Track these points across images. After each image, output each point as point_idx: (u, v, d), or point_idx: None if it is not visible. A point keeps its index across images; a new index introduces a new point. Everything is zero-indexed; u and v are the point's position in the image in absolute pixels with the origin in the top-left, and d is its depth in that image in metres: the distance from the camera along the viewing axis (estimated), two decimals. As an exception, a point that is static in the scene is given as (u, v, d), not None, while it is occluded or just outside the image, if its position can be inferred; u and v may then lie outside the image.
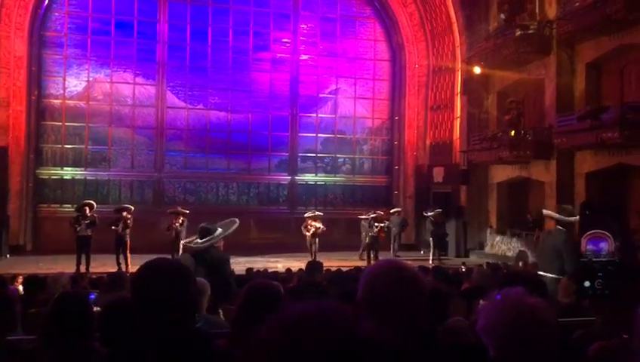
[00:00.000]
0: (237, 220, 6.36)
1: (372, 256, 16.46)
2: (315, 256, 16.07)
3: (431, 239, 17.70)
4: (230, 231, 6.17)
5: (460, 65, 20.31)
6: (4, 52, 18.31)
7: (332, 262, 15.73)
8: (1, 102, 18.25)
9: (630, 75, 15.08)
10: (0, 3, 18.17)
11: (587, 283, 3.16)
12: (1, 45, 18.21)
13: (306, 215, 17.24)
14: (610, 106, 13.91)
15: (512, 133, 16.80)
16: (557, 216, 6.99)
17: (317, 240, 16.71)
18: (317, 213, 17.51)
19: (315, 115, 22.28)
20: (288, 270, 11.32)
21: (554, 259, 6.37)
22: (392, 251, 18.45)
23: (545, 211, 7.13)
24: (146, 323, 1.75)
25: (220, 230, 6.00)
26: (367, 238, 17.02)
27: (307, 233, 16.74)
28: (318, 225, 16.68)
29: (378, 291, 1.69)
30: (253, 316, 2.29)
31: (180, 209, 16.10)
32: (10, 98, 18.46)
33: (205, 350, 1.80)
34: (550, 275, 6.21)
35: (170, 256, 11.92)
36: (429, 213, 17.91)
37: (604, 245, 3.61)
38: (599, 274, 3.11)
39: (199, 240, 5.81)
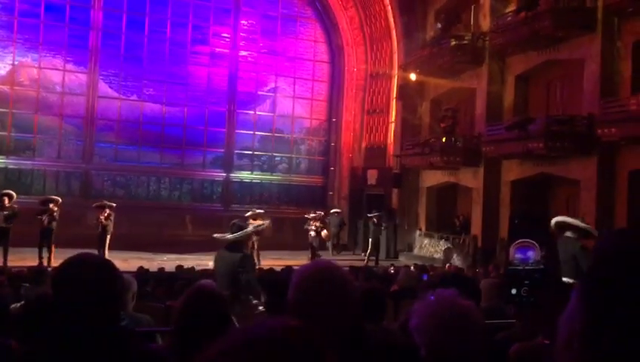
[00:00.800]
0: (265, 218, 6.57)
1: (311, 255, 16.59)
2: (258, 256, 15.82)
3: (370, 240, 17.94)
4: (261, 227, 6.16)
5: (396, 72, 20.68)
6: None
7: (265, 261, 15.69)
8: None
9: (555, 88, 15.85)
10: None
11: (514, 291, 3.28)
12: None
13: (246, 215, 16.81)
14: (536, 118, 14.54)
15: (444, 139, 17.26)
16: (577, 222, 6.98)
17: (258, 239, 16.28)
18: (257, 211, 17.14)
19: (253, 112, 22.13)
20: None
21: (572, 264, 6.45)
22: (330, 251, 18.68)
23: (561, 218, 7.09)
24: (68, 321, 1.67)
25: (250, 227, 6.11)
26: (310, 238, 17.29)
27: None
28: (260, 221, 16.28)
29: (307, 291, 1.70)
30: (193, 328, 2.20)
31: (106, 202, 15.57)
32: None
33: (129, 349, 1.74)
34: (572, 281, 6.29)
35: (95, 252, 11.52)
36: (373, 214, 18.13)
37: (531, 253, 3.75)
38: (525, 281, 3.23)
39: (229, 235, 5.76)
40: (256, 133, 22.21)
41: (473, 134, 17.25)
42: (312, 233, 17.38)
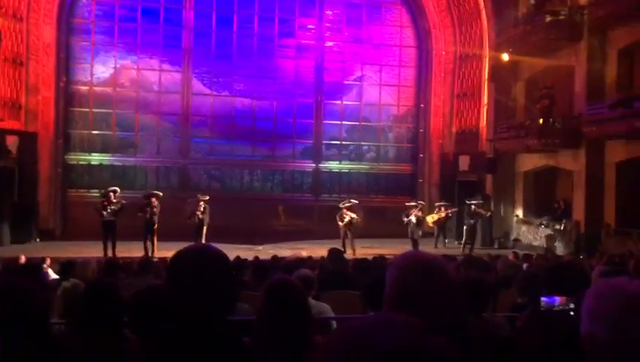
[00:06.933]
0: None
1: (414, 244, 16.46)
2: (353, 246, 15.99)
3: (465, 227, 17.51)
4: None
5: (487, 52, 20.01)
6: (33, 39, 18.56)
7: (358, 250, 15.80)
8: (30, 89, 18.54)
9: (664, 61, 14.69)
10: (29, -10, 18.38)
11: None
12: (30, 32, 18.45)
13: (341, 205, 16.99)
14: (643, 94, 13.58)
15: (541, 120, 16.57)
16: None
17: (350, 230, 16.38)
18: (352, 201, 17.30)
19: (339, 102, 22.19)
20: (310, 258, 11.29)
21: None
22: (435, 242, 18.29)
23: None
24: (181, 313, 1.71)
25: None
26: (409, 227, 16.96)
27: (341, 222, 16.46)
28: (353, 215, 16.51)
29: (409, 286, 1.66)
30: (276, 318, 2.22)
31: (199, 196, 16.21)
32: (39, 84, 18.73)
33: (235, 348, 1.76)
34: None
35: (194, 243, 12.05)
36: (472, 202, 17.64)
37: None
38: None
39: None
40: (344, 122, 22.27)
41: (572, 114, 16.42)
42: (413, 221, 16.91)
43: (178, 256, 1.79)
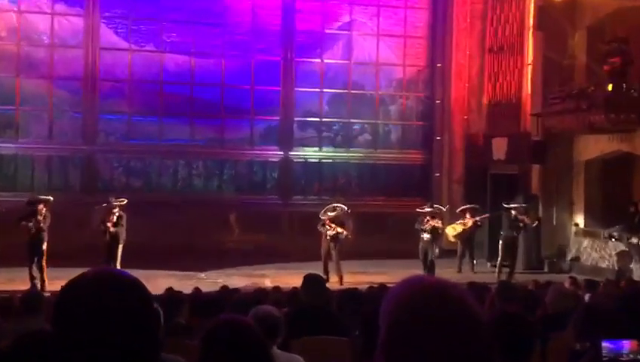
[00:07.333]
0: None
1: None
2: (339, 271, 16.13)
3: (500, 242, 17.61)
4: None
5: (533, -13, 20.18)
6: None
7: (346, 277, 15.81)
8: None
9: None
10: None
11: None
12: None
13: (322, 212, 16.91)
14: None
15: (610, 87, 16.72)
16: None
17: (336, 248, 16.44)
18: (339, 206, 17.27)
19: (318, 60, 22.19)
20: (277, 289, 11.30)
21: None
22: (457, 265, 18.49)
23: None
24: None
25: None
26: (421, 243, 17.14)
27: (323, 237, 16.51)
28: (341, 230, 16.51)
29: (409, 324, 1.65)
30: None
31: (113, 200, 16.14)
32: None
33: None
34: None
35: (108, 266, 11.95)
36: (512, 206, 17.73)
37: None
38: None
39: None
40: (325, 90, 22.28)
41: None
42: (426, 236, 17.04)
43: (70, 286, 1.78)
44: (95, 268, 1.86)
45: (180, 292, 9.71)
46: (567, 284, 11.17)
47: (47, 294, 10.11)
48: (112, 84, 21.08)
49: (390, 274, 14.99)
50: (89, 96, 20.76)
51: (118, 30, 21.00)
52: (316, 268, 13.98)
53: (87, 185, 20.53)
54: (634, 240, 17.11)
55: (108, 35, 20.96)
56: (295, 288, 9.21)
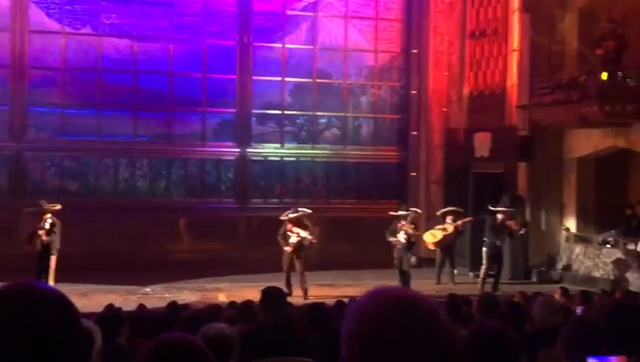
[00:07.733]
0: None
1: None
2: (303, 283, 16.13)
3: (484, 250, 17.67)
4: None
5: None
6: None
7: (312, 290, 15.83)
8: None
9: None
10: None
11: None
12: None
13: (283, 216, 16.87)
14: None
15: (604, 75, 16.88)
16: None
17: (299, 258, 16.41)
18: (302, 210, 17.26)
19: (279, 45, 22.23)
20: (233, 304, 11.28)
21: None
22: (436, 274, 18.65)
23: None
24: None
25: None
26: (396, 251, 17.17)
27: (287, 247, 16.41)
28: (304, 233, 16.44)
29: (374, 341, 1.64)
30: None
31: (46, 205, 16.03)
32: None
33: None
34: None
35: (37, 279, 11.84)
36: (497, 209, 17.86)
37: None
38: None
39: None
40: (287, 79, 22.31)
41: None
42: (402, 241, 17.01)
43: None
44: (13, 282, 1.83)
45: (120, 309, 9.65)
46: (557, 296, 11.27)
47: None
48: (43, 72, 20.94)
49: (362, 286, 15.08)
50: (17, 87, 20.62)
51: (50, 11, 20.81)
52: (277, 281, 13.96)
53: (15, 188, 20.36)
54: (631, 247, 17.30)
55: (38, 16, 20.77)
56: (250, 301, 9.19)
